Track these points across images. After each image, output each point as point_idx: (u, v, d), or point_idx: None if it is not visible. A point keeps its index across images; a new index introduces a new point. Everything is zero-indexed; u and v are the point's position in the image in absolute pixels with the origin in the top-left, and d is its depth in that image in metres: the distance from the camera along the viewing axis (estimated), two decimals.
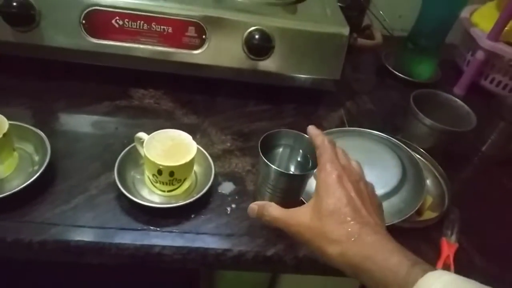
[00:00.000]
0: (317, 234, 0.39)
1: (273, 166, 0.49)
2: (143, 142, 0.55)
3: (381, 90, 0.89)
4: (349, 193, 0.40)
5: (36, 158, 0.56)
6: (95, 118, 0.66)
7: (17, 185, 0.52)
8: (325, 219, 0.39)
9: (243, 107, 0.74)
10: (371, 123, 0.77)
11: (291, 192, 0.52)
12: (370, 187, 0.44)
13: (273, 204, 0.44)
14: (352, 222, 0.38)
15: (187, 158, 0.53)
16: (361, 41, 0.76)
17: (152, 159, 0.52)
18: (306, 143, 0.53)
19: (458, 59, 0.97)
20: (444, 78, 0.93)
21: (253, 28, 0.67)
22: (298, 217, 0.41)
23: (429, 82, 0.90)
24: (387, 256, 0.35)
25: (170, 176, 0.53)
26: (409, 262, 0.34)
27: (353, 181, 0.42)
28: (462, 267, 0.54)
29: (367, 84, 0.89)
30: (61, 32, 0.65)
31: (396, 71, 0.91)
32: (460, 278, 0.33)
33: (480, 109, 0.71)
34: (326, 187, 0.40)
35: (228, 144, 0.66)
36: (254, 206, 0.45)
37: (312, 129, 0.48)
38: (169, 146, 0.55)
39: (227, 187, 0.59)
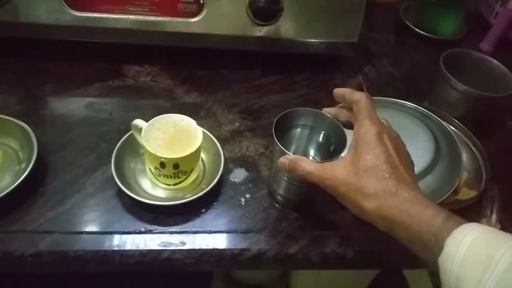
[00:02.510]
0: (353, 188, 0.38)
1: (289, 154, 0.43)
2: (141, 130, 0.48)
3: (401, 50, 0.80)
4: (388, 150, 0.39)
5: (22, 154, 0.50)
6: (86, 102, 0.59)
7: (3, 187, 0.46)
8: (363, 174, 0.38)
9: (250, 80, 0.67)
10: (393, 89, 0.69)
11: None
12: (404, 144, 0.43)
13: (305, 158, 0.42)
14: (389, 179, 0.38)
15: (193, 148, 0.46)
16: None
17: (152, 151, 0.45)
18: (328, 123, 0.46)
19: (484, 10, 0.87)
20: (468, 32, 0.84)
21: None
22: (333, 171, 0.40)
23: (453, 38, 0.81)
24: (423, 209, 0.35)
25: (175, 168, 0.47)
26: (444, 214, 0.35)
27: (392, 138, 0.41)
28: None
29: (385, 44, 0.80)
30: (37, 6, 0.57)
31: (416, 27, 0.82)
32: (494, 230, 0.33)
33: (511, 65, 0.62)
34: (364, 143, 0.40)
35: (237, 124, 0.59)
36: (284, 160, 0.43)
37: (341, 89, 0.46)
38: (171, 134, 0.48)
39: (239, 175, 0.53)
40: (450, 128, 0.59)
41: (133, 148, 0.52)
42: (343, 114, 0.46)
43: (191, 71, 0.66)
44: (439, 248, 0.33)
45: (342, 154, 0.42)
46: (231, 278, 0.98)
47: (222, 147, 0.52)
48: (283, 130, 0.46)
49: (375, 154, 0.39)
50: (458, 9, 0.80)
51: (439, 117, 0.59)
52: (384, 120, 0.43)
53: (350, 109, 0.44)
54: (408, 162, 0.41)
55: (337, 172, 0.40)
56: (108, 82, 0.62)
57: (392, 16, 0.86)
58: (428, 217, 0.35)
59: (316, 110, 0.47)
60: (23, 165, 0.49)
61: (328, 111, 0.47)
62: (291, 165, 0.42)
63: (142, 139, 0.46)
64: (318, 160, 0.49)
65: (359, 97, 0.43)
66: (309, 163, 0.41)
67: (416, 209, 0.36)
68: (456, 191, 0.54)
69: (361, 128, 0.41)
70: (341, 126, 0.45)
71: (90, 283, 0.73)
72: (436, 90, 0.63)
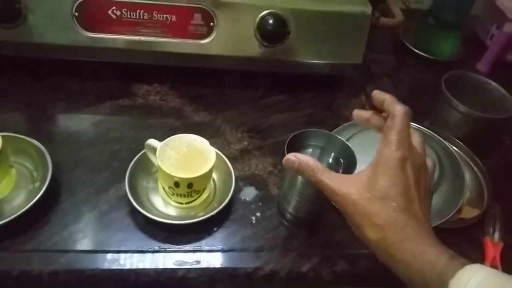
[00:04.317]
0: (361, 212, 0.36)
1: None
2: (155, 150, 0.49)
3: (401, 70, 0.83)
4: (407, 180, 0.37)
5: (36, 173, 0.51)
6: (97, 121, 0.60)
7: (17, 206, 0.47)
8: (374, 200, 0.36)
9: (256, 99, 0.68)
10: None
11: (320, 199, 0.47)
12: (429, 172, 0.41)
13: (319, 164, 0.39)
14: (400, 213, 0.36)
15: (206, 168, 0.47)
16: (383, 20, 0.69)
17: (167, 171, 0.46)
18: (338, 145, 0.47)
19: (479, 32, 0.90)
20: (465, 53, 0.87)
21: (265, 12, 0.60)
22: (346, 188, 0.37)
23: (451, 59, 0.84)
24: (427, 249, 0.34)
25: (189, 188, 0.48)
26: (448, 255, 0.34)
27: (416, 167, 0.38)
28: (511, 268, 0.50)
29: (386, 64, 0.83)
30: (51, 27, 0.58)
31: (415, 48, 0.84)
32: (499, 273, 0.32)
33: (507, 87, 0.65)
34: (385, 168, 0.37)
35: (245, 143, 0.60)
36: (293, 158, 0.40)
37: (382, 93, 0.41)
38: (184, 154, 0.49)
39: (249, 193, 0.54)
40: (452, 148, 0.61)
41: (146, 166, 0.52)
42: (375, 122, 0.42)
43: (199, 90, 0.67)
44: None
45: (360, 170, 0.41)
46: None
47: (231, 165, 0.53)
48: (294, 150, 0.47)
49: (393, 182, 0.36)
50: (456, 31, 0.83)
51: (440, 137, 0.61)
52: (418, 136, 0.40)
53: (385, 117, 0.40)
54: (426, 194, 0.39)
55: (349, 190, 0.37)
56: (119, 101, 0.63)
57: (392, 37, 0.88)
58: (432, 257, 0.33)
59: (328, 131, 0.48)
60: (37, 184, 0.49)
61: (360, 114, 0.43)
62: (302, 167, 0.40)
63: (157, 159, 0.47)
64: None
65: (397, 112, 0.38)
66: (321, 170, 0.39)
67: (420, 248, 0.34)
68: (459, 210, 0.56)
69: (386, 149, 0.37)
70: (351, 149, 0.46)
71: None
72: (437, 110, 0.65)
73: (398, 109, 0.38)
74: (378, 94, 0.41)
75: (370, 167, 0.38)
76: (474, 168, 0.61)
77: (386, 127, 0.39)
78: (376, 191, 0.36)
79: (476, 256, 0.51)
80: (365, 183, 0.37)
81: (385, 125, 0.39)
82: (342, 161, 0.47)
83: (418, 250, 0.34)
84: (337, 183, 0.38)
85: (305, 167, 0.39)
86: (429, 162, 0.41)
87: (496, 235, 0.54)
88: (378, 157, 0.38)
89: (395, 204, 0.36)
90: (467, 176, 0.59)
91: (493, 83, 0.65)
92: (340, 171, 0.47)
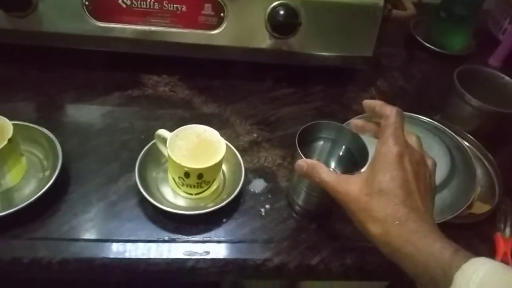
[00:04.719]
0: (363, 208, 0.37)
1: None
2: (165, 140, 0.49)
3: (412, 64, 0.82)
4: (406, 175, 0.37)
5: (46, 162, 0.51)
6: (106, 111, 0.60)
7: (28, 194, 0.47)
8: (375, 195, 0.37)
9: (266, 91, 0.68)
10: (405, 103, 0.71)
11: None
12: (429, 168, 0.41)
13: (323, 165, 0.41)
14: (401, 206, 0.36)
15: (216, 158, 0.47)
16: (395, 12, 0.69)
17: (178, 161, 0.46)
18: (350, 137, 0.47)
19: (492, 26, 0.89)
20: (477, 48, 0.86)
21: (276, 2, 0.60)
22: (347, 186, 0.39)
23: (463, 54, 0.83)
24: (430, 242, 0.34)
25: (199, 178, 0.47)
26: (452, 248, 0.34)
27: (414, 162, 0.39)
28: None
29: (397, 58, 0.82)
30: (62, 16, 0.58)
31: (427, 42, 0.83)
32: (504, 266, 0.32)
33: None
34: (383, 163, 0.38)
35: (255, 135, 0.60)
36: (303, 163, 0.42)
37: (371, 101, 0.44)
38: (195, 144, 0.49)
39: (258, 185, 0.54)
40: (463, 142, 0.60)
41: (155, 157, 0.52)
42: (369, 128, 0.44)
43: (209, 81, 0.67)
44: (447, 282, 0.32)
45: (363, 170, 0.42)
46: (239, 287, 0.98)
47: (241, 157, 0.53)
48: (305, 142, 0.47)
49: (391, 176, 0.37)
50: (468, 25, 0.82)
51: (452, 131, 0.61)
52: (415, 137, 0.42)
53: (378, 123, 0.43)
54: (427, 188, 0.39)
55: (350, 187, 0.39)
56: (128, 92, 0.63)
57: (402, 30, 0.87)
58: (435, 250, 0.34)
59: (339, 123, 0.48)
60: (47, 173, 0.49)
61: (355, 122, 0.46)
62: (309, 170, 0.41)
63: (168, 149, 0.47)
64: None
65: (389, 112, 0.41)
66: (325, 171, 0.41)
67: (424, 242, 0.34)
68: (470, 205, 0.55)
69: (383, 146, 0.39)
70: (363, 140, 0.46)
71: None
72: (449, 104, 0.65)
73: (389, 109, 0.41)
74: (367, 102, 0.44)
75: (369, 165, 0.40)
76: (486, 163, 0.60)
77: (382, 127, 0.41)
78: (376, 186, 0.37)
79: (487, 251, 0.50)
80: (365, 180, 0.38)
81: (381, 126, 0.41)
82: (354, 153, 0.47)
83: (421, 243, 0.34)
84: (340, 182, 0.39)
85: (311, 170, 0.41)
86: (429, 162, 0.42)
87: (507, 231, 0.53)
88: (376, 155, 0.39)
89: (395, 198, 0.36)
90: (478, 171, 0.58)
91: (507, 78, 0.64)
92: (353, 162, 0.47)
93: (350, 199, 0.38)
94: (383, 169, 0.38)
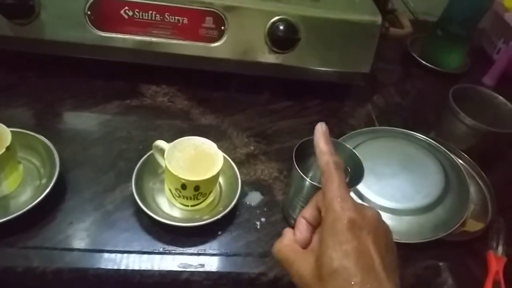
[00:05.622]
0: None
1: (307, 180, 0.44)
2: (163, 151, 0.49)
3: (408, 81, 0.83)
4: (360, 245, 0.30)
5: (43, 170, 0.51)
6: (104, 120, 0.60)
7: (24, 202, 0.47)
8: (327, 279, 0.30)
9: (264, 104, 0.68)
10: (401, 119, 0.71)
11: None
12: (388, 229, 0.34)
13: (288, 234, 0.36)
14: (358, 286, 0.29)
15: (214, 171, 0.48)
16: (392, 30, 0.70)
17: (175, 173, 0.46)
18: (346, 153, 0.48)
19: (486, 45, 0.91)
20: (471, 66, 0.87)
21: (277, 18, 0.60)
22: (299, 265, 0.33)
23: (458, 72, 0.84)
24: None
25: (195, 190, 0.48)
26: None
27: (371, 226, 0.32)
28: None
29: (393, 74, 0.83)
30: (63, 25, 0.58)
31: (422, 59, 0.85)
32: None
33: None
34: (332, 235, 0.31)
35: (252, 148, 0.60)
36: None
37: (318, 134, 0.37)
38: (192, 156, 0.49)
39: (254, 198, 0.54)
40: (457, 160, 0.61)
41: (152, 167, 0.53)
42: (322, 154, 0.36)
43: (207, 93, 0.68)
44: None
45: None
46: None
47: (238, 170, 0.53)
48: (301, 157, 0.48)
49: (344, 251, 0.30)
50: (463, 44, 0.84)
51: (446, 148, 0.62)
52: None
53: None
54: (388, 250, 0.32)
55: (302, 268, 0.32)
56: (127, 101, 0.63)
57: (399, 47, 0.89)
58: None
59: (335, 139, 0.48)
60: (43, 181, 0.49)
61: (318, 128, 0.38)
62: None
63: (165, 160, 0.47)
64: None
65: (325, 166, 0.34)
66: (285, 243, 0.35)
67: None
68: (463, 223, 0.56)
69: (329, 212, 0.32)
70: (359, 157, 0.46)
71: None
72: (443, 122, 0.66)
73: (325, 161, 0.34)
74: (316, 136, 0.37)
75: (318, 236, 0.33)
76: (479, 181, 0.61)
77: (322, 185, 0.34)
78: (327, 267, 0.30)
79: (479, 270, 0.51)
80: (316, 260, 0.32)
81: (321, 180, 0.34)
82: (349, 170, 0.47)
83: None
84: (293, 259, 0.34)
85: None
86: (374, 211, 0.34)
87: (500, 249, 0.54)
88: (322, 225, 0.33)
89: (351, 277, 0.29)
90: (472, 189, 0.59)
91: (500, 97, 0.65)
92: (348, 179, 0.47)
93: (301, 283, 0.32)
94: (334, 243, 0.31)
